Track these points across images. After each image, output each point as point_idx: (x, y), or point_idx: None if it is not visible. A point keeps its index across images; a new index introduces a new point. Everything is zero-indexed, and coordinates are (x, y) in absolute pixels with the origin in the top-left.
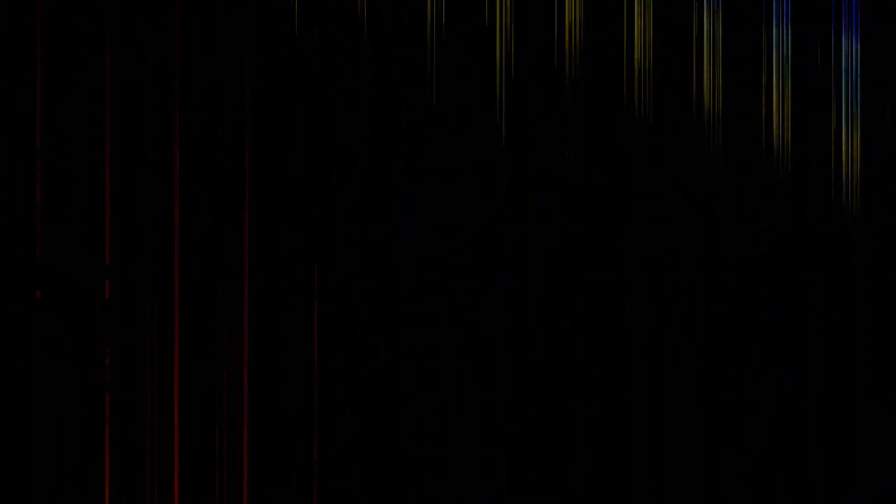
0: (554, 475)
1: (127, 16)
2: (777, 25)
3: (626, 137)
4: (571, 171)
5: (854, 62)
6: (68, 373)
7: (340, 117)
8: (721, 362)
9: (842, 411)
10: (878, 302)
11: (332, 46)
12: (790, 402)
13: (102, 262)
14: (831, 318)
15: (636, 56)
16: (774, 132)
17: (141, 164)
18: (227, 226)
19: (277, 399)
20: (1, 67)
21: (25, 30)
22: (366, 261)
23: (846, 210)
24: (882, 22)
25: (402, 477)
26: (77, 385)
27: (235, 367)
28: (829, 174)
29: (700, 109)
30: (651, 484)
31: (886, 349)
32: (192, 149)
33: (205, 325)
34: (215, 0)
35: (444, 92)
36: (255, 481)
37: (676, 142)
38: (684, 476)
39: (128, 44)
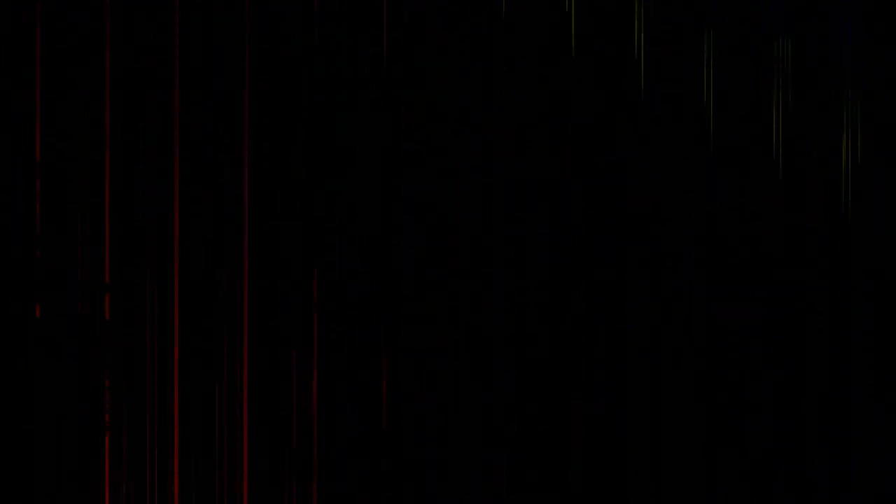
0: (554, 475)
1: (127, 15)
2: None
3: (627, 137)
4: (571, 171)
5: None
6: (68, 376)
7: (340, 117)
8: (721, 362)
9: (842, 411)
10: (878, 302)
11: (332, 46)
12: (790, 402)
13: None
14: (831, 318)
15: (637, 54)
16: (774, 131)
17: (141, 164)
18: (227, 226)
19: (277, 399)
20: (1, 67)
21: (25, 30)
22: (366, 261)
23: (846, 210)
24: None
25: (402, 477)
26: (76, 389)
27: (235, 367)
28: (829, 174)
29: (700, 108)
30: (651, 484)
31: (886, 349)
32: (192, 149)
33: (205, 326)
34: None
35: (445, 91)
36: (255, 481)
37: (676, 141)
38: (684, 476)
39: (127, 43)
